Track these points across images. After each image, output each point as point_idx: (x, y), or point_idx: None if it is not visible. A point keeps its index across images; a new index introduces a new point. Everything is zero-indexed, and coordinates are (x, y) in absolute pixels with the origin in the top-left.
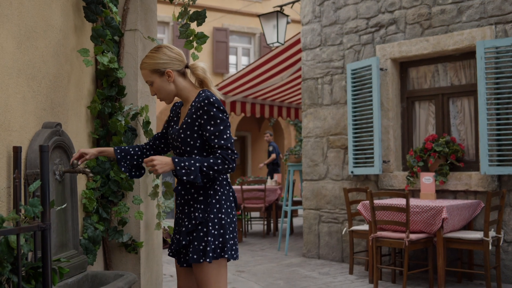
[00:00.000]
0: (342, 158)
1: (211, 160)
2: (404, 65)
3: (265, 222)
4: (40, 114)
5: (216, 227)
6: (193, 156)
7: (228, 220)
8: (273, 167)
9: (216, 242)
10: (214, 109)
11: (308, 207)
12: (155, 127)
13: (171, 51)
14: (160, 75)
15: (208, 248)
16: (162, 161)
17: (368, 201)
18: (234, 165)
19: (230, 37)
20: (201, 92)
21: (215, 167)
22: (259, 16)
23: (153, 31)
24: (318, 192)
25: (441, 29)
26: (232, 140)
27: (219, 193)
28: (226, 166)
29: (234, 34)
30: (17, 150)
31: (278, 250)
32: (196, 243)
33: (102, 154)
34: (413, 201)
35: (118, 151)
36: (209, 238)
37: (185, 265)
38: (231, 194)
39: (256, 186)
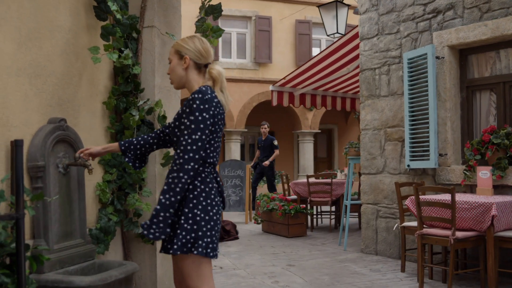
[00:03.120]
0: (399, 151)
1: (165, 187)
2: (463, 52)
3: (332, 217)
4: (46, 111)
5: (190, 221)
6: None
7: (206, 217)
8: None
9: (188, 237)
10: (197, 102)
11: (366, 202)
12: None
13: (200, 43)
14: (179, 58)
15: (175, 240)
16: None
17: (421, 196)
18: (186, 167)
19: (313, 29)
20: (201, 87)
21: (175, 188)
22: (318, 6)
23: (175, 27)
24: (375, 186)
25: (500, 12)
26: (199, 144)
27: (198, 190)
28: (182, 175)
29: (317, 26)
30: (15, 144)
31: (338, 245)
32: (172, 233)
33: (108, 151)
34: (461, 197)
35: (122, 143)
36: (179, 231)
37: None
38: (213, 192)
39: (323, 180)
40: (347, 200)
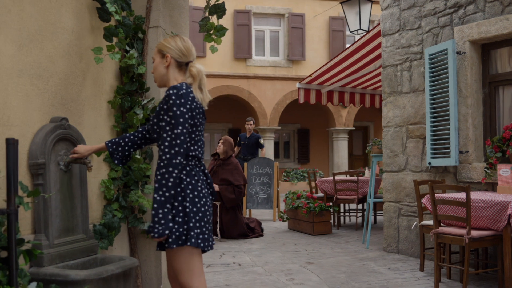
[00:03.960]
0: (421, 148)
1: (157, 185)
2: (485, 47)
3: (358, 215)
4: (48, 110)
5: (180, 214)
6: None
7: (194, 209)
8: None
9: (181, 229)
10: (173, 98)
11: (388, 200)
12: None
13: (181, 42)
14: (162, 56)
15: (173, 236)
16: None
17: (438, 194)
18: (174, 161)
19: (346, 26)
20: (176, 84)
21: (167, 183)
22: (341, 3)
23: (182, 26)
24: (397, 184)
25: None
26: (182, 137)
27: (185, 183)
28: (171, 170)
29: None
30: (7, 142)
31: (362, 243)
32: None
33: (94, 151)
34: (479, 195)
35: (110, 144)
36: (174, 225)
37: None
38: (200, 184)
39: (350, 177)
40: (370, 198)
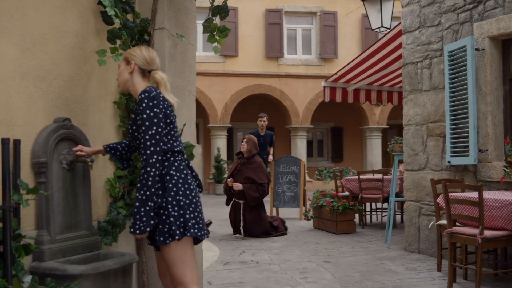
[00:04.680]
0: (441, 147)
1: (139, 185)
2: (505, 43)
3: (383, 214)
4: (52, 111)
5: (176, 208)
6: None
7: (187, 201)
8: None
9: (178, 223)
10: (145, 101)
11: (408, 199)
12: (190, 122)
13: (146, 51)
14: (126, 63)
15: (174, 228)
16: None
17: (451, 194)
18: (150, 161)
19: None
20: (146, 88)
21: (147, 182)
22: (362, 0)
23: (188, 27)
24: (418, 183)
25: None
26: (157, 137)
27: (175, 178)
28: (149, 170)
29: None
30: (4, 143)
31: (384, 243)
32: (160, 226)
33: (96, 153)
34: (494, 195)
35: (108, 149)
36: (171, 219)
37: (155, 249)
38: (189, 177)
39: (374, 176)
40: (392, 197)
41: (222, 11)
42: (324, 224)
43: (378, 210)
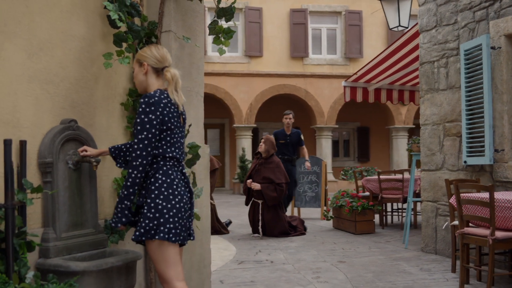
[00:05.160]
0: (457, 147)
1: (123, 184)
2: None
3: (404, 214)
4: (59, 113)
5: (152, 210)
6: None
7: (169, 205)
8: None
9: (151, 225)
10: (143, 106)
11: (426, 199)
12: (198, 123)
13: (156, 50)
14: (140, 65)
15: (147, 228)
16: None
17: (463, 194)
18: (134, 163)
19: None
20: (151, 92)
21: (127, 183)
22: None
23: (196, 29)
24: (435, 183)
25: None
26: (146, 142)
27: (160, 181)
28: (131, 171)
29: (411, 18)
30: (6, 143)
31: (402, 243)
32: (138, 223)
33: (102, 154)
34: (506, 195)
35: (113, 150)
36: (142, 220)
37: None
38: (176, 182)
39: (395, 176)
40: (409, 197)
41: (227, 13)
42: (343, 224)
43: (399, 211)
